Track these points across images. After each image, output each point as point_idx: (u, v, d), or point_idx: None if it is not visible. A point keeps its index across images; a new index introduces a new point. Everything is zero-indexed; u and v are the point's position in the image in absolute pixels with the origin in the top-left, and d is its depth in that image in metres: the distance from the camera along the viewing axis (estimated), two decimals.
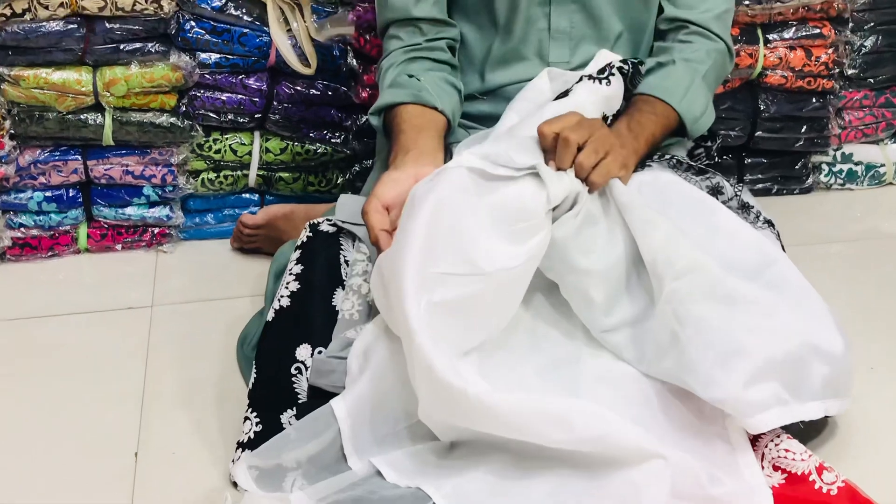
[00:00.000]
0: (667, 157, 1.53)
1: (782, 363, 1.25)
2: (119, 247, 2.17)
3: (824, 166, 2.36)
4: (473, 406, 1.17)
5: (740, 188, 1.54)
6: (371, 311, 1.39)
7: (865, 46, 2.21)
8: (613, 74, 1.50)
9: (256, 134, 2.17)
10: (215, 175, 2.18)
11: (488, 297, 1.25)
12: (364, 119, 2.19)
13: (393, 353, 1.30)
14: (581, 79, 1.50)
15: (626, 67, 1.52)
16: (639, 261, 1.34)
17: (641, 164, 1.48)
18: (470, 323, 1.25)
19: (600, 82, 1.48)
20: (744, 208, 1.52)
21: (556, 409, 1.18)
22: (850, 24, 2.19)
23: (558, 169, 1.33)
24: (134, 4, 1.94)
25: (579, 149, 1.34)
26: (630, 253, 1.35)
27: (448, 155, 1.58)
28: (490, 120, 1.61)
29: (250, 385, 1.42)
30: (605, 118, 1.49)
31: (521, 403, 1.18)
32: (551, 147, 1.34)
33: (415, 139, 1.47)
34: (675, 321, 1.27)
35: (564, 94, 1.48)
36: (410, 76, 1.58)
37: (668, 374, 1.28)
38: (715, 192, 1.49)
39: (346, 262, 1.46)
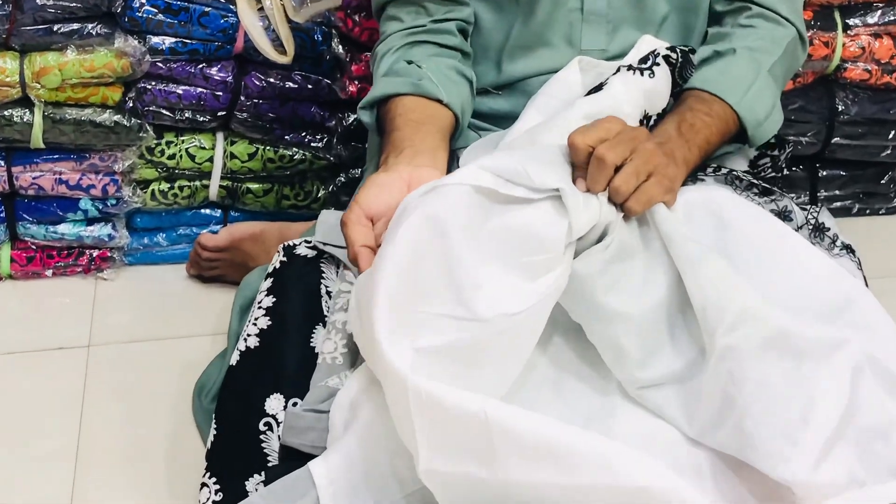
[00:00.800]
0: (723, 170, 1.52)
1: (860, 429, 1.24)
2: (49, 273, 2.17)
3: None
4: (493, 433, 1.15)
5: (816, 209, 1.53)
6: (360, 354, 1.38)
7: None
8: (658, 64, 1.48)
9: (219, 136, 2.18)
10: (168, 186, 2.19)
11: (487, 347, 1.23)
12: (352, 119, 2.19)
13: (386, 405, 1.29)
14: (619, 69, 1.49)
15: (673, 56, 1.51)
16: (686, 303, 1.32)
17: (692, 177, 1.47)
18: (465, 377, 1.23)
19: (641, 73, 1.47)
20: (817, 231, 1.51)
21: (597, 446, 1.17)
22: None
23: (588, 190, 1.32)
24: None
25: (617, 168, 1.33)
26: (675, 294, 1.33)
27: (454, 163, 1.58)
28: (506, 119, 1.61)
29: (209, 444, 1.41)
30: (646, 118, 1.48)
31: (552, 431, 1.17)
32: (583, 163, 1.32)
33: (410, 136, 1.46)
34: (729, 382, 1.25)
35: (598, 88, 1.48)
36: (410, 63, 1.58)
37: (724, 445, 1.27)
38: (781, 217, 1.48)
39: (328, 293, 1.45)
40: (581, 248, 1.30)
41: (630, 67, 1.48)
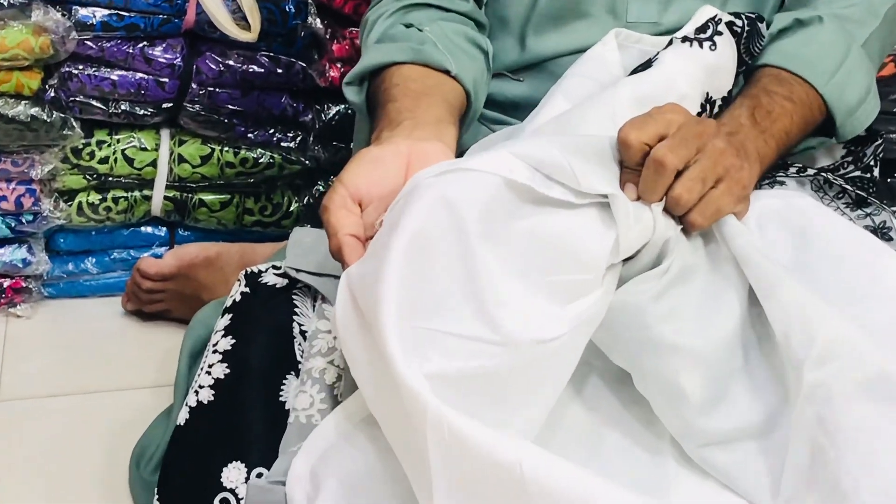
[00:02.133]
0: (809, 171, 1.51)
1: None
2: None
3: None
4: (530, 494, 1.13)
5: None
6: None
7: None
8: (720, 34, 1.48)
9: (165, 134, 2.19)
10: (100, 197, 2.19)
11: (512, 380, 1.20)
12: (332, 112, 2.19)
13: (369, 465, 1.27)
14: (671, 41, 1.49)
15: (738, 24, 1.51)
16: (763, 337, 1.32)
17: (769, 178, 1.46)
18: (478, 413, 1.20)
19: (700, 45, 1.47)
20: None
21: None
22: None
23: (639, 197, 1.31)
24: None
25: (679, 172, 1.32)
26: (750, 323, 1.33)
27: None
28: (528, 110, 1.60)
29: None
30: (709, 101, 1.48)
31: (607, 497, 1.15)
32: (636, 164, 1.31)
33: (410, 107, 1.45)
34: (819, 431, 1.24)
35: (645, 65, 1.47)
36: (409, 26, 1.59)
37: None
38: (878, 235, 1.48)
39: (303, 333, 1.45)
40: (630, 273, 1.29)
41: (685, 39, 1.48)
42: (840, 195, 1.51)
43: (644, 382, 1.32)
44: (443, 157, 1.32)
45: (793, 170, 1.51)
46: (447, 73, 1.53)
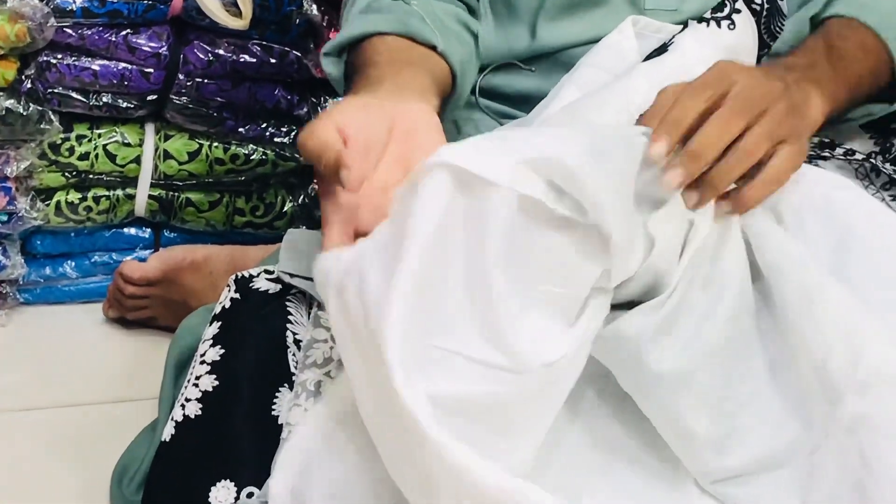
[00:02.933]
0: (857, 156, 1.50)
1: None
2: None
3: None
4: None
5: None
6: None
7: None
8: (738, 11, 1.48)
9: (149, 128, 2.19)
10: (80, 196, 2.19)
11: (519, 405, 1.20)
12: (329, 104, 2.19)
13: (349, 469, 1.26)
14: (686, 24, 1.50)
15: (758, 1, 1.51)
16: (777, 361, 1.30)
17: (810, 158, 1.44)
18: (483, 440, 1.19)
19: (718, 25, 1.47)
20: None
21: None
22: None
23: (672, 149, 1.25)
24: None
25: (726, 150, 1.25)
26: (759, 348, 1.31)
27: (457, 133, 1.57)
28: (538, 102, 1.60)
29: None
30: None
31: None
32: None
33: (393, 74, 1.42)
34: (860, 465, 1.24)
35: (661, 49, 1.47)
36: None
37: None
38: None
39: (297, 342, 1.45)
40: (625, 292, 1.28)
41: (702, 19, 1.48)
42: (887, 185, 1.50)
43: (649, 413, 1.31)
44: (429, 119, 1.31)
45: (840, 150, 1.50)
46: (433, 49, 1.52)
